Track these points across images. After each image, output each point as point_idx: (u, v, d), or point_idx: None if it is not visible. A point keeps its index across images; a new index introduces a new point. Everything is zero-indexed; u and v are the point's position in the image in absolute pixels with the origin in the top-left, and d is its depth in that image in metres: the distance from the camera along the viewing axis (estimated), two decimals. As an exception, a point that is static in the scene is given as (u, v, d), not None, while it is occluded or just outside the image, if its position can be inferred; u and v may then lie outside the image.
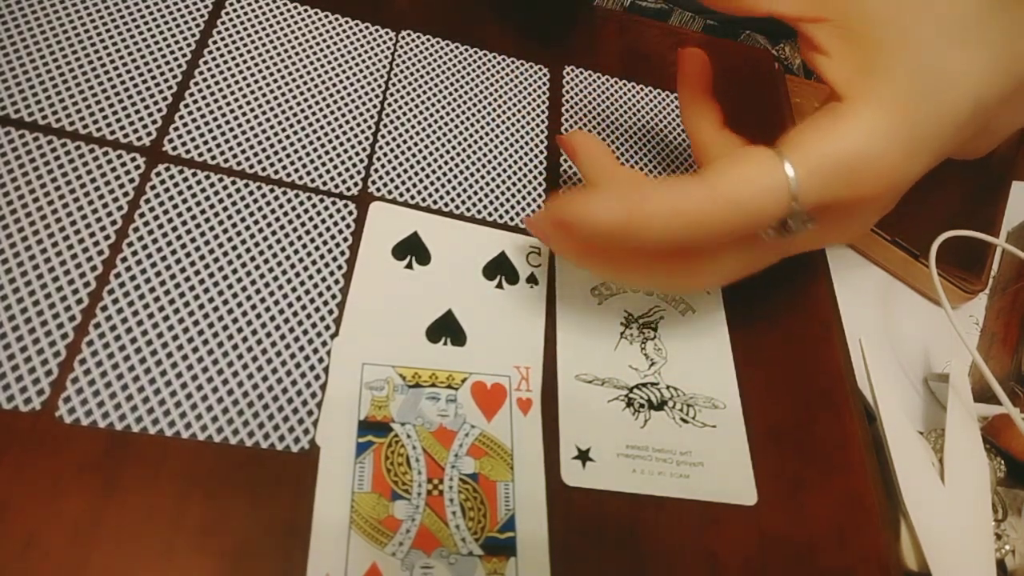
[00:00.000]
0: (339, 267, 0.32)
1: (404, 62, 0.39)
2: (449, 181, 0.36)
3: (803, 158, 0.26)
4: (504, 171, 0.37)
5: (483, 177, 0.37)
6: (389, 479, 0.28)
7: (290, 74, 0.37)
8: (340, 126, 0.36)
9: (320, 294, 0.31)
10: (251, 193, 0.33)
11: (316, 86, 0.37)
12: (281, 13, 0.39)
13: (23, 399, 0.26)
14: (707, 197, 0.26)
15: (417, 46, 0.40)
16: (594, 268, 0.32)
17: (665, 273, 0.30)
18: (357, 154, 0.36)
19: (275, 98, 0.36)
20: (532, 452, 0.30)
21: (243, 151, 0.34)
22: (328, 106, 0.37)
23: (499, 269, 0.34)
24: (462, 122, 0.38)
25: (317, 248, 0.32)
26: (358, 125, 0.36)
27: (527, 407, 0.31)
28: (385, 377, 0.30)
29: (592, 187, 0.32)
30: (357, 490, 0.27)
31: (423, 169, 0.36)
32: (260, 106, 0.35)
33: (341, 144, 0.36)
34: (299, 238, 0.32)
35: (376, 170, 0.35)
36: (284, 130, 0.35)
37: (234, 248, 0.31)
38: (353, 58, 0.39)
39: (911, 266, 0.43)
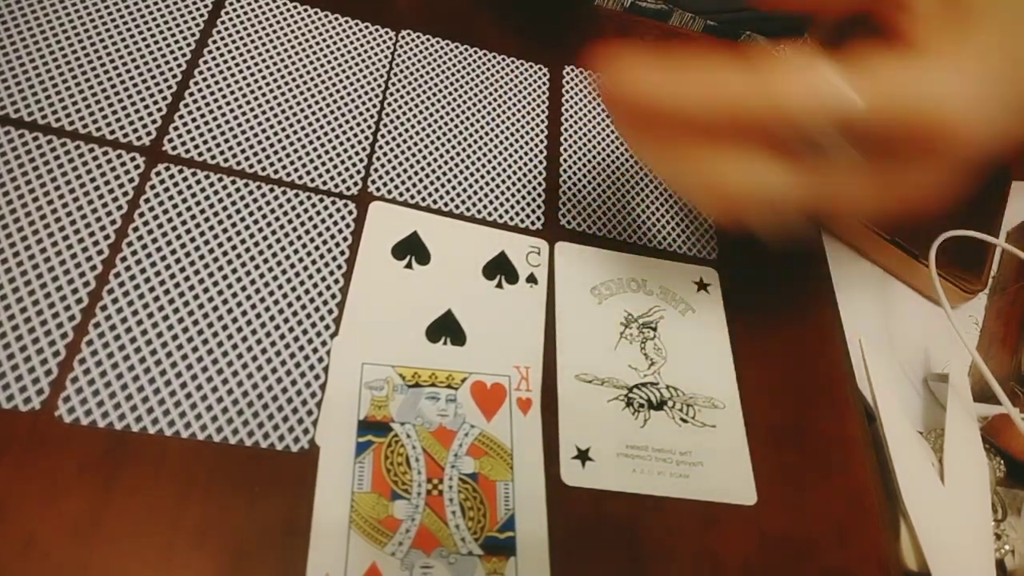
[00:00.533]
0: (339, 267, 0.32)
1: (404, 62, 0.39)
2: (449, 181, 0.36)
3: (861, 66, 0.24)
4: (504, 171, 0.37)
5: (483, 177, 0.37)
6: (389, 479, 0.28)
7: (290, 74, 0.37)
8: (340, 126, 0.36)
9: (320, 294, 0.31)
10: (251, 193, 0.33)
11: (316, 86, 0.37)
12: (281, 13, 0.39)
13: (23, 399, 0.26)
14: (749, 79, 0.25)
15: (417, 46, 0.40)
16: (630, 135, 0.29)
17: (692, 157, 0.27)
18: (357, 154, 0.36)
19: (275, 98, 0.36)
20: (532, 452, 0.30)
21: (243, 151, 0.34)
22: (328, 106, 0.37)
23: (499, 269, 0.34)
24: (462, 122, 0.38)
25: (317, 248, 0.32)
26: (358, 125, 0.36)
27: (527, 407, 0.31)
28: (385, 377, 0.30)
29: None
30: (357, 490, 0.27)
31: (423, 169, 0.36)
32: (260, 106, 0.35)
33: (341, 144, 0.36)
34: (299, 238, 0.32)
35: (376, 170, 0.35)
36: (284, 130, 0.35)
37: (234, 248, 0.31)
38: (353, 58, 0.39)
39: (911, 266, 0.43)
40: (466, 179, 0.37)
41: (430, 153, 0.37)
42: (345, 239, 0.33)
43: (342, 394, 0.29)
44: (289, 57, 0.37)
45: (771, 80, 0.25)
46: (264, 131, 0.35)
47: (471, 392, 0.31)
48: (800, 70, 0.25)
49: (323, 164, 0.35)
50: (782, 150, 0.26)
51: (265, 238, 0.32)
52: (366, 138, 0.36)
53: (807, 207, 0.27)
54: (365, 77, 0.38)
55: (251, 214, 0.32)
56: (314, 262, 0.32)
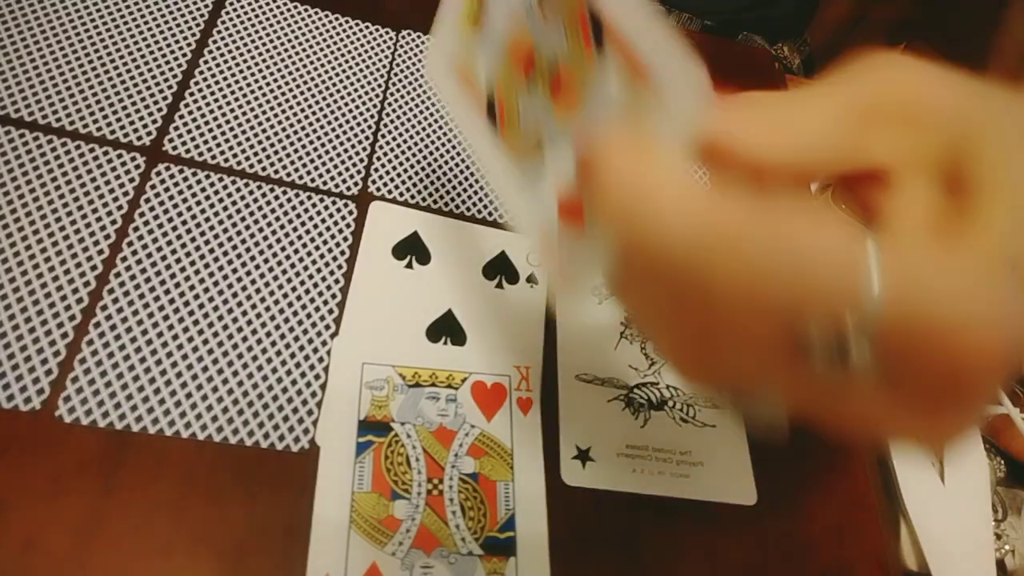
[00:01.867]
0: (339, 267, 0.32)
1: (404, 62, 0.39)
2: (449, 181, 0.36)
3: (896, 256, 0.18)
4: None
5: (483, 177, 0.37)
6: (389, 479, 0.28)
7: (290, 74, 0.37)
8: (340, 126, 0.36)
9: (320, 294, 0.31)
10: (251, 193, 0.33)
11: (316, 86, 0.37)
12: (281, 13, 0.39)
13: (23, 399, 0.26)
14: (752, 220, 0.18)
15: (417, 46, 0.40)
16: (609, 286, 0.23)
17: (675, 327, 0.21)
18: (357, 154, 0.36)
19: (275, 98, 0.36)
20: (532, 452, 0.30)
21: (243, 151, 0.34)
22: (328, 106, 0.37)
23: (499, 269, 0.34)
24: (462, 122, 0.38)
25: (317, 248, 0.32)
26: (358, 125, 0.36)
27: (527, 407, 0.31)
28: (385, 377, 0.30)
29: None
30: (357, 490, 0.27)
31: (423, 169, 0.36)
32: (260, 106, 0.35)
33: (341, 144, 0.36)
34: (299, 238, 0.32)
35: (376, 170, 0.35)
36: (284, 130, 0.35)
37: (234, 248, 0.31)
38: (353, 58, 0.39)
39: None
40: (466, 179, 0.37)
41: (430, 153, 0.37)
42: (345, 239, 0.33)
43: (342, 394, 0.29)
44: (289, 57, 0.37)
45: (781, 222, 0.18)
46: (264, 131, 0.35)
47: (471, 392, 0.31)
48: (825, 220, 0.18)
49: (323, 164, 0.35)
50: (783, 347, 0.19)
51: (265, 238, 0.32)
52: (366, 138, 0.36)
53: (798, 412, 0.20)
54: (365, 77, 0.38)
55: (251, 214, 0.32)
56: (314, 262, 0.32)
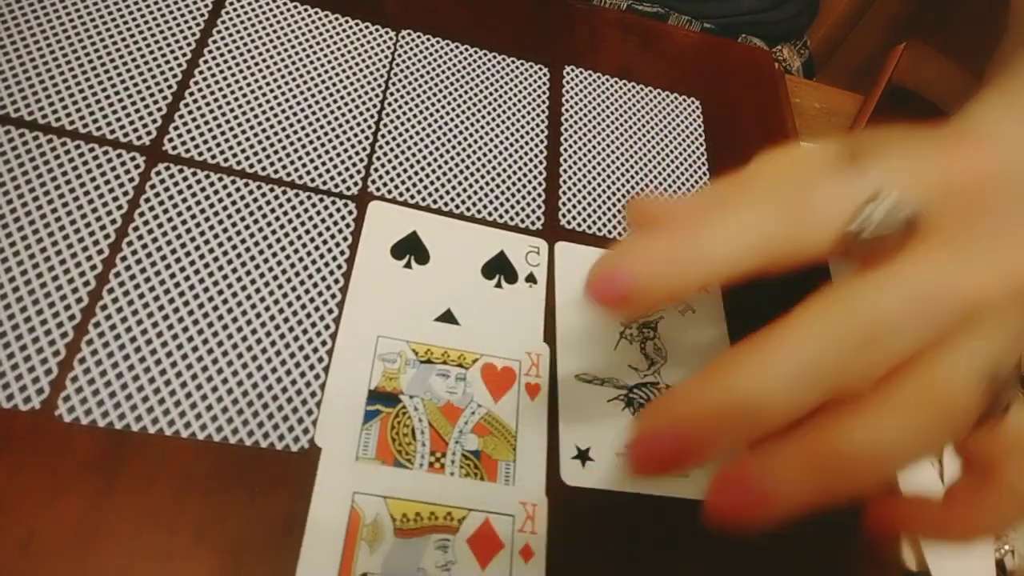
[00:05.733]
0: (338, 267, 0.32)
1: (404, 62, 0.39)
2: (449, 181, 0.36)
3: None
4: (504, 171, 0.37)
5: (483, 177, 0.37)
6: (393, 448, 0.28)
7: (290, 74, 0.37)
8: (340, 126, 0.36)
9: (320, 294, 0.31)
10: (251, 193, 0.33)
11: (316, 86, 0.37)
12: (281, 13, 0.39)
13: (23, 398, 0.26)
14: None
15: (417, 46, 0.40)
16: None
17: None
18: (356, 154, 0.36)
19: (275, 98, 0.36)
20: (535, 435, 0.30)
21: (243, 151, 0.34)
22: (328, 106, 0.37)
23: (498, 268, 0.34)
24: (462, 122, 0.38)
25: (317, 248, 0.32)
26: (358, 125, 0.36)
27: (535, 392, 0.31)
28: (398, 351, 0.30)
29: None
30: (361, 456, 0.28)
31: (423, 169, 0.36)
32: (260, 106, 0.35)
33: (341, 144, 0.36)
34: (299, 238, 0.32)
35: (375, 170, 0.35)
36: (284, 130, 0.35)
37: (234, 248, 0.31)
38: (353, 58, 0.39)
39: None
40: (466, 179, 0.37)
41: (430, 153, 0.37)
42: (345, 239, 0.33)
43: (342, 394, 0.29)
44: (289, 57, 0.37)
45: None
46: (264, 131, 0.35)
47: (481, 373, 0.31)
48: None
49: (323, 164, 0.35)
50: None
51: (265, 238, 0.32)
52: (366, 138, 0.36)
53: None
54: (365, 77, 0.38)
55: (251, 214, 0.32)
56: (314, 262, 0.32)
